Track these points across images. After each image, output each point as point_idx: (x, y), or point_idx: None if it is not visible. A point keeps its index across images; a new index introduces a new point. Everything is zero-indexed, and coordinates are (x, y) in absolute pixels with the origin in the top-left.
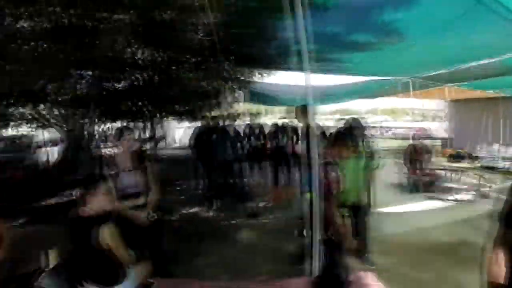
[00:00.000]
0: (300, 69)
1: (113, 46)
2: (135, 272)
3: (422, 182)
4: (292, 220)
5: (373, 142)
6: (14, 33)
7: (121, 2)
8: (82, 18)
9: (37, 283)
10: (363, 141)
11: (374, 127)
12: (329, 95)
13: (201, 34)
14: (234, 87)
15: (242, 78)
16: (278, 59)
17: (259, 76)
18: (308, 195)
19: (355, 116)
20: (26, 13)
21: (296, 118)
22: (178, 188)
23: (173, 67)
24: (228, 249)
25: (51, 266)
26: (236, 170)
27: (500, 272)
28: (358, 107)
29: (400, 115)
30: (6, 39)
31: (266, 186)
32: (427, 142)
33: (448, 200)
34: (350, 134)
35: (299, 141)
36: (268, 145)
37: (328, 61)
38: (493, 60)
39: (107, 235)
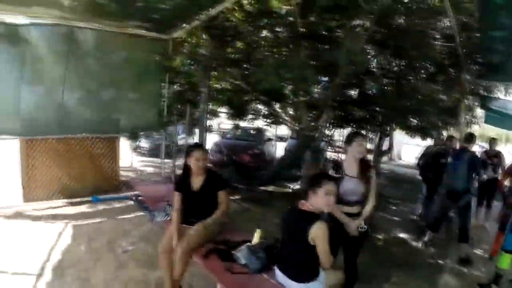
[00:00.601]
0: None
1: (350, 53)
2: (326, 276)
3: None
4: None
5: None
6: (257, 42)
7: (356, 10)
8: (319, 27)
9: (235, 251)
10: None
11: None
12: None
13: (441, 40)
14: (476, 104)
15: (485, 93)
16: None
17: (506, 92)
18: None
19: None
20: (267, 24)
21: None
22: (394, 207)
23: (410, 77)
24: None
25: (253, 242)
26: (463, 203)
27: None
28: None
29: None
30: (251, 47)
31: (490, 231)
32: None
33: None
34: None
35: None
36: (506, 182)
37: None
38: None
39: (317, 233)
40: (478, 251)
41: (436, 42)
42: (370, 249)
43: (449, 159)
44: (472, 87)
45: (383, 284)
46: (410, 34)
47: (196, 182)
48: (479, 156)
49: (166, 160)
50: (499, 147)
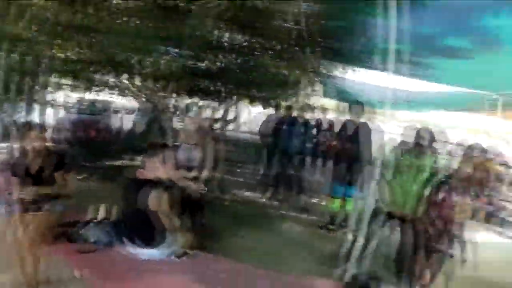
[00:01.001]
0: (385, 69)
1: (201, 27)
2: (174, 238)
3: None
4: (342, 222)
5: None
6: (108, 8)
7: None
8: None
9: (83, 231)
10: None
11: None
12: (409, 101)
13: (290, 23)
14: (315, 79)
15: (325, 71)
16: (365, 56)
17: (342, 71)
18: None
19: (426, 127)
20: None
21: (351, 115)
22: (238, 170)
23: (257, 53)
24: (268, 238)
25: (99, 219)
26: (299, 163)
27: None
28: (438, 120)
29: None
30: (101, 13)
31: (324, 183)
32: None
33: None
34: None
35: (368, 142)
36: (335, 143)
37: (415, 65)
38: None
39: (156, 199)
40: (315, 200)
41: (285, 24)
42: (218, 210)
43: (286, 126)
44: (314, 65)
45: (231, 238)
46: (259, 13)
47: (34, 164)
48: (313, 124)
49: (3, 144)
50: (332, 116)
